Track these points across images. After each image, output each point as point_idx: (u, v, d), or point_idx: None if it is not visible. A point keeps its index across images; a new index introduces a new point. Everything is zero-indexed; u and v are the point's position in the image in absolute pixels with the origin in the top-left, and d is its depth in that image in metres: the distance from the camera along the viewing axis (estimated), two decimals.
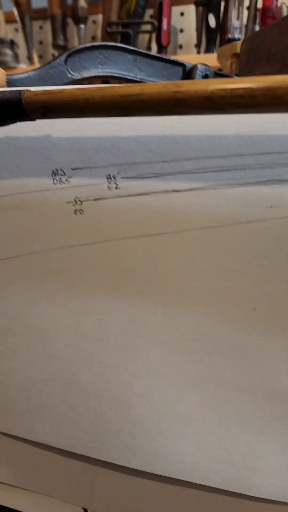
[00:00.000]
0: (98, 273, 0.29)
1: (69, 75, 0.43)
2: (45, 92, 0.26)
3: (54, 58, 0.43)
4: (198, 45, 1.21)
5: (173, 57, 1.26)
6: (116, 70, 0.46)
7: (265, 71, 0.31)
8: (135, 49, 0.47)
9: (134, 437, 0.29)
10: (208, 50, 1.18)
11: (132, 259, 0.28)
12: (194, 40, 1.29)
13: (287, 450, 0.26)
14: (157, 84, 0.24)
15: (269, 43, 0.31)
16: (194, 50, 1.28)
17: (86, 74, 0.45)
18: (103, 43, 0.45)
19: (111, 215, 0.28)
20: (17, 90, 0.27)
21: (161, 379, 0.28)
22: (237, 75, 0.56)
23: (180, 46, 1.34)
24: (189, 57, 1.21)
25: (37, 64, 1.40)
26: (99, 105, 0.25)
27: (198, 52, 1.21)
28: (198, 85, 0.23)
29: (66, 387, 0.30)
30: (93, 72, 0.45)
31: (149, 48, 1.28)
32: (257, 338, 0.26)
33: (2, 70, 0.37)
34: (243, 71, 0.33)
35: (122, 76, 0.47)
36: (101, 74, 0.45)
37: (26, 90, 0.26)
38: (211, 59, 1.12)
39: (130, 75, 0.47)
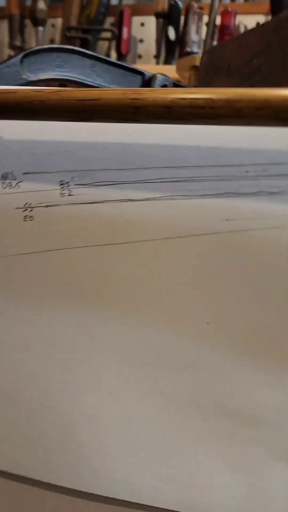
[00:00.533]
0: (47, 284, 0.27)
1: (24, 76, 0.42)
2: None
3: (10, 57, 0.41)
4: (157, 56, 1.22)
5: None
6: (74, 74, 0.45)
7: (223, 84, 0.31)
8: (94, 54, 0.46)
9: (80, 457, 0.27)
10: (167, 61, 1.19)
11: (83, 270, 0.27)
12: (153, 51, 1.30)
13: (236, 469, 0.25)
14: (116, 90, 0.23)
15: (228, 57, 0.31)
16: (153, 60, 1.29)
17: (42, 76, 0.43)
18: (61, 46, 0.44)
19: (62, 223, 0.27)
20: None
21: (109, 395, 0.27)
22: (195, 87, 0.56)
23: (140, 56, 1.34)
24: (148, 67, 1.21)
25: None
26: (55, 108, 0.24)
27: (157, 63, 1.22)
28: (158, 93, 0.22)
29: (8, 404, 0.28)
30: (49, 75, 0.44)
31: (108, 55, 1.28)
32: (209, 353, 0.25)
33: None
34: (202, 83, 0.33)
35: (79, 80, 0.46)
36: (58, 77, 0.44)
37: None
38: (170, 71, 1.13)
39: (87, 80, 0.46)
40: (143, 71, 0.51)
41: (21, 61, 0.42)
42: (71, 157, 0.26)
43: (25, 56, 0.42)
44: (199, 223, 0.25)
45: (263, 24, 0.28)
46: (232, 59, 0.30)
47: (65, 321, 0.27)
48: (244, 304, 0.25)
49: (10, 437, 0.29)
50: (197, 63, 0.55)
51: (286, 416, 0.25)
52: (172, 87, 0.51)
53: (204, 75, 0.33)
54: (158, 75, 0.51)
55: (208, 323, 0.25)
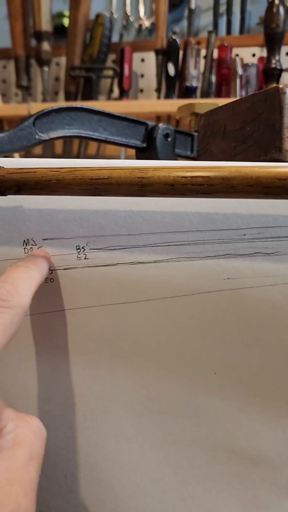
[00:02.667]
0: (67, 339, 0.30)
1: (37, 136, 0.45)
2: (18, 171, 0.27)
3: (23, 120, 0.44)
4: (158, 90, 1.27)
5: (134, 101, 1.30)
6: (82, 130, 0.49)
7: (220, 146, 0.34)
8: (100, 110, 0.50)
9: (103, 498, 0.29)
10: (168, 96, 1.23)
11: (100, 326, 0.29)
12: (154, 85, 1.34)
13: (247, 508, 0.27)
14: (123, 169, 0.26)
15: (223, 121, 0.34)
16: (154, 94, 1.33)
17: (53, 134, 0.47)
18: (70, 105, 0.47)
19: (80, 284, 0.29)
20: None
21: (128, 440, 0.29)
22: (196, 132, 0.59)
23: (141, 90, 1.39)
24: (150, 102, 1.26)
25: (0, 103, 1.41)
26: (70, 186, 0.26)
27: (158, 97, 1.26)
28: (161, 172, 0.25)
29: None
30: (59, 133, 0.47)
31: (111, 91, 1.33)
32: (217, 400, 0.28)
33: None
34: (201, 144, 0.36)
35: (87, 135, 0.49)
36: (68, 134, 0.48)
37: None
38: (171, 105, 1.18)
39: (95, 135, 0.50)
40: (146, 122, 0.54)
41: (34, 123, 0.45)
42: (85, 224, 0.29)
43: (37, 118, 0.45)
44: (203, 282, 0.28)
45: (253, 95, 0.31)
46: (227, 124, 0.33)
47: (85, 372, 0.30)
48: (246, 354, 0.27)
49: (40, 483, 0.31)
50: (196, 110, 0.58)
51: None
52: (174, 135, 0.54)
53: (202, 137, 0.36)
54: (160, 125, 0.54)
55: (215, 373, 0.28)
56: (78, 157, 1.34)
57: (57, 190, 0.27)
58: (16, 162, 0.30)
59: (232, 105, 0.33)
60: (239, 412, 0.28)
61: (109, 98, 1.33)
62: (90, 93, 1.28)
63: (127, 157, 1.33)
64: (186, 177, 0.25)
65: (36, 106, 1.28)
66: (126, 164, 0.29)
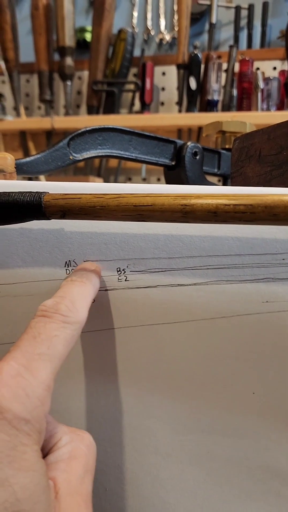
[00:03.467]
0: (106, 358, 0.31)
1: (71, 157, 0.46)
2: (63, 197, 0.29)
3: (58, 141, 0.46)
4: (179, 103, 1.28)
5: (155, 114, 1.32)
6: (114, 150, 0.50)
7: (256, 169, 0.34)
8: (131, 130, 0.51)
9: None
10: (189, 109, 1.24)
11: (139, 346, 0.30)
12: (175, 98, 1.36)
13: None
14: (167, 196, 0.27)
15: (259, 145, 0.34)
16: (175, 107, 1.35)
17: (86, 155, 0.48)
18: (103, 126, 0.49)
19: (120, 304, 0.30)
20: (37, 193, 0.29)
21: (166, 456, 0.30)
22: (224, 149, 0.60)
23: (162, 103, 1.41)
24: (172, 115, 1.27)
25: (23, 116, 1.44)
26: (114, 212, 0.28)
27: (180, 110, 1.28)
28: (204, 200, 0.26)
29: None
30: (92, 153, 0.48)
31: (132, 104, 1.35)
32: (256, 420, 0.28)
33: (11, 155, 0.40)
34: (235, 166, 0.37)
35: (119, 155, 0.50)
36: (100, 154, 0.49)
37: (45, 193, 0.29)
38: (192, 118, 1.19)
39: (126, 154, 0.51)
40: (175, 140, 0.55)
41: (68, 144, 0.46)
42: (125, 247, 0.30)
43: (71, 139, 0.47)
44: (241, 305, 0.28)
45: None
46: (263, 148, 0.34)
47: (125, 391, 0.31)
48: (284, 376, 0.28)
49: None
50: (223, 128, 0.59)
51: None
52: (202, 153, 0.55)
53: (236, 159, 0.36)
54: (189, 143, 0.55)
55: (253, 393, 0.28)
56: (100, 168, 1.36)
57: (101, 215, 0.28)
58: (60, 187, 0.31)
59: (268, 130, 0.34)
60: (279, 432, 0.28)
61: (130, 111, 1.35)
62: (112, 107, 1.30)
63: (147, 171, 1.35)
64: (229, 205, 0.26)
65: (59, 120, 1.31)
66: (168, 190, 0.30)
